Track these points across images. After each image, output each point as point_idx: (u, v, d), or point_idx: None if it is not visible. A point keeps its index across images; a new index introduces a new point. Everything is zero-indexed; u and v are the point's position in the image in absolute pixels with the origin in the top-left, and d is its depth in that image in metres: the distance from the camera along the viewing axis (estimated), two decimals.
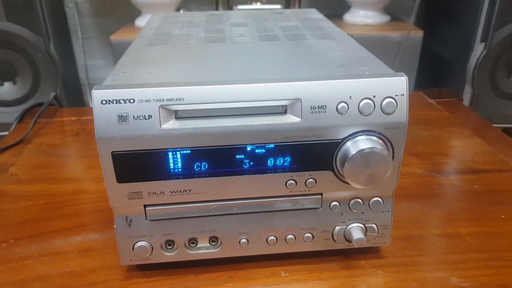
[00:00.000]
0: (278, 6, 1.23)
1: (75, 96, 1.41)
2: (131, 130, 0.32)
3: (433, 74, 1.35)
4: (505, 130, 1.17)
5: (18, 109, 1.16)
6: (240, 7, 1.21)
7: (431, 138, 0.65)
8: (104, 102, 0.32)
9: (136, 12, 1.30)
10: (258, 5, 1.23)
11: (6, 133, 1.12)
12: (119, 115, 0.32)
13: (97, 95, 0.32)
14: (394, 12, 1.37)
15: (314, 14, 0.60)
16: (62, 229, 0.46)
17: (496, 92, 1.13)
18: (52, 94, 0.70)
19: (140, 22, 1.25)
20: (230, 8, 1.24)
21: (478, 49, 1.08)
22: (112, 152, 0.33)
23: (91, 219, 0.48)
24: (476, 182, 0.54)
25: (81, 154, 0.63)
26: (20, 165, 0.59)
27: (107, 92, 0.32)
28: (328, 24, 0.54)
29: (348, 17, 1.27)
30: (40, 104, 0.72)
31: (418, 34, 1.18)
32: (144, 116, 0.32)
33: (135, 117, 0.32)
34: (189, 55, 0.42)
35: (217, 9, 1.23)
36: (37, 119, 0.68)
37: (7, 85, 1.19)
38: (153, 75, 0.36)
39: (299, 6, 1.24)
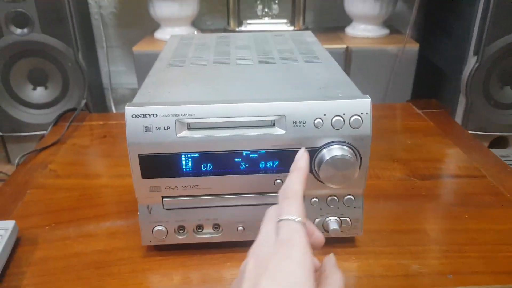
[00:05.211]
0: (284, 21, 1.31)
1: (99, 100, 1.51)
2: (154, 138, 0.41)
3: (430, 84, 1.41)
4: (498, 138, 1.23)
5: (48, 112, 1.28)
6: (249, 21, 1.30)
7: (413, 146, 0.73)
8: (134, 116, 0.41)
9: (155, 24, 1.39)
10: (266, 20, 1.31)
11: (38, 132, 1.24)
12: (145, 126, 0.41)
13: (129, 111, 0.41)
14: (394, 24, 1.43)
15: (309, 37, 0.68)
16: (94, 216, 0.54)
17: (489, 102, 1.19)
18: (84, 101, 0.80)
19: (159, 34, 1.34)
20: (240, 23, 1.32)
21: (471, 62, 1.14)
22: (139, 154, 0.42)
23: (117, 208, 0.56)
24: (447, 186, 0.61)
25: (107, 154, 0.71)
26: (58, 162, 0.68)
27: (137, 109, 0.41)
28: (318, 47, 0.62)
29: (350, 30, 1.34)
30: (72, 109, 0.81)
31: (414, 47, 1.24)
32: (164, 127, 0.41)
33: (157, 127, 0.41)
34: (200, 77, 0.51)
35: (228, 23, 1.31)
36: (71, 123, 0.78)
37: (40, 89, 1.31)
38: (171, 94, 0.45)
39: (304, 21, 1.31)
